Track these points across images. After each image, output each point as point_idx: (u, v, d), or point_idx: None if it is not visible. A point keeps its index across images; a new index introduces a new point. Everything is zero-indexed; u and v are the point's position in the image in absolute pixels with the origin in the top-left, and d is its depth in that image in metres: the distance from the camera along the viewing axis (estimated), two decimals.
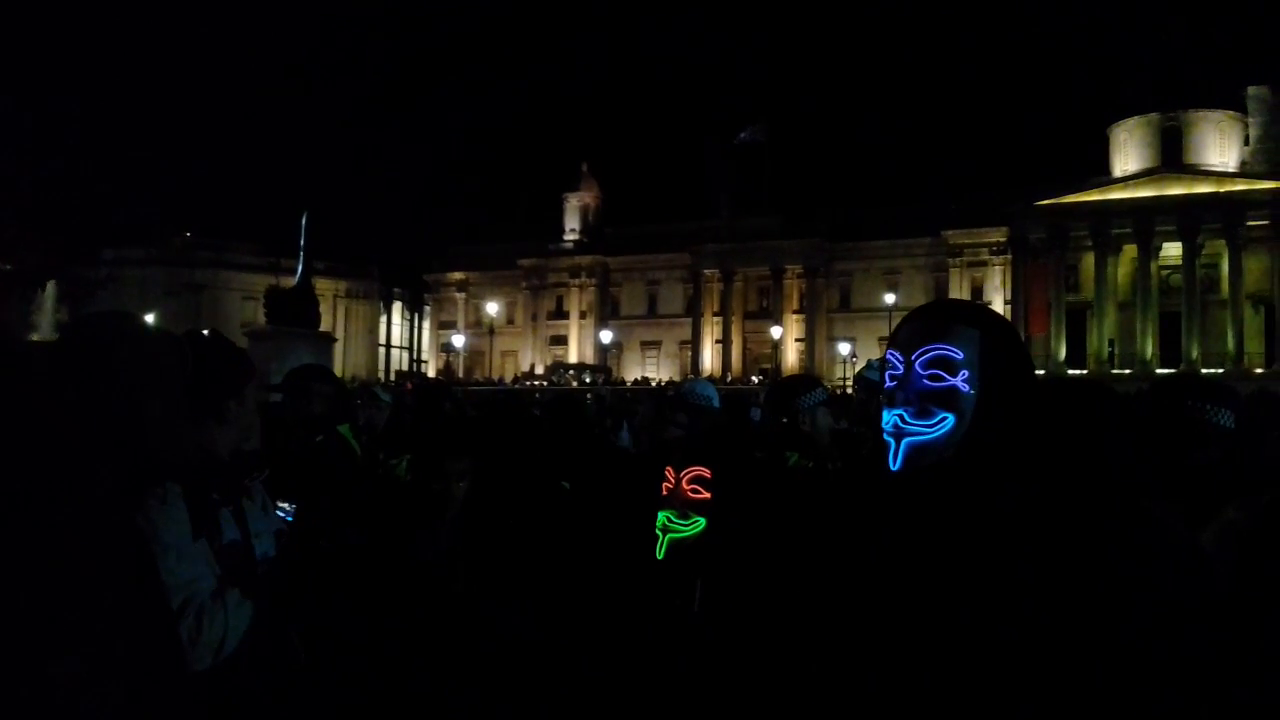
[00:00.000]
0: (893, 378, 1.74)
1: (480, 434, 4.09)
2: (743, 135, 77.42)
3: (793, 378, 4.99)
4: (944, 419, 1.66)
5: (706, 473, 4.10)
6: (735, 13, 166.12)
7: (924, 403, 1.68)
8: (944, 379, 1.68)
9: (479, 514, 3.61)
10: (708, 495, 4.06)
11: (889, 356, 1.77)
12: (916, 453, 1.67)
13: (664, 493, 4.19)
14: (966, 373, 1.67)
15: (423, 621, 3.37)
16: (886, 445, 1.71)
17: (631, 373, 77.58)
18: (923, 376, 1.69)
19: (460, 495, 3.62)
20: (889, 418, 1.71)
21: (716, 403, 5.57)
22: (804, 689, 1.74)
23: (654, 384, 61.22)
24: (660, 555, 4.10)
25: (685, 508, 4.09)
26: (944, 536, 1.60)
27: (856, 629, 1.65)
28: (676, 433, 5.27)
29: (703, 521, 4.03)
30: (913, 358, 1.71)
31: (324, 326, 39.14)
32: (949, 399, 1.67)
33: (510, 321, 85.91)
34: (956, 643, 1.53)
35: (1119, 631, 1.48)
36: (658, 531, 4.14)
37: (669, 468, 4.21)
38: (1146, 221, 62.05)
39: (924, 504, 1.66)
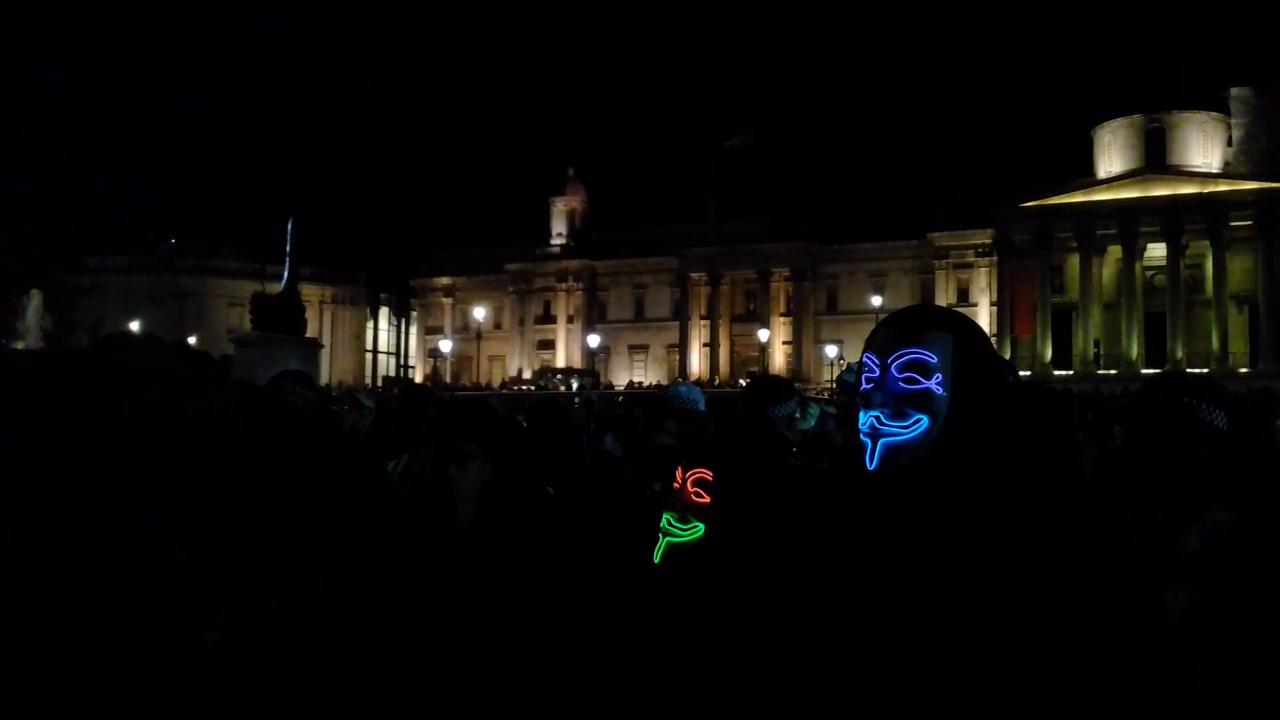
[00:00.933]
0: (869, 380, 1.79)
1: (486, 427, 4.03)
2: (731, 141, 77.55)
3: (766, 381, 4.96)
4: (918, 420, 1.72)
5: (709, 475, 4.02)
6: (722, 16, 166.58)
7: (899, 404, 1.73)
8: (918, 382, 1.73)
9: (492, 522, 3.58)
10: (708, 500, 3.98)
11: (865, 360, 1.82)
12: (892, 453, 1.72)
13: (673, 489, 4.10)
14: (940, 376, 1.73)
15: (424, 628, 3.36)
16: (863, 446, 1.75)
17: (619, 377, 77.63)
18: (898, 379, 1.74)
19: (468, 489, 3.59)
20: (866, 419, 1.76)
21: (702, 407, 5.58)
22: (786, 689, 1.75)
23: (646, 388, 61.24)
24: (657, 559, 4.03)
25: (686, 511, 4.01)
26: (917, 535, 1.65)
27: (832, 627, 1.67)
28: (667, 440, 5.26)
29: (701, 528, 3.95)
30: (888, 361, 1.76)
31: (310, 333, 39.14)
32: (923, 401, 1.72)
33: (497, 326, 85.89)
34: (927, 640, 1.56)
35: (1078, 630, 1.51)
36: (659, 533, 4.05)
37: (679, 467, 4.13)
38: (1131, 222, 62.42)
39: (899, 503, 1.70)
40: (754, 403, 4.64)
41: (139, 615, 1.09)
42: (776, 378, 5.57)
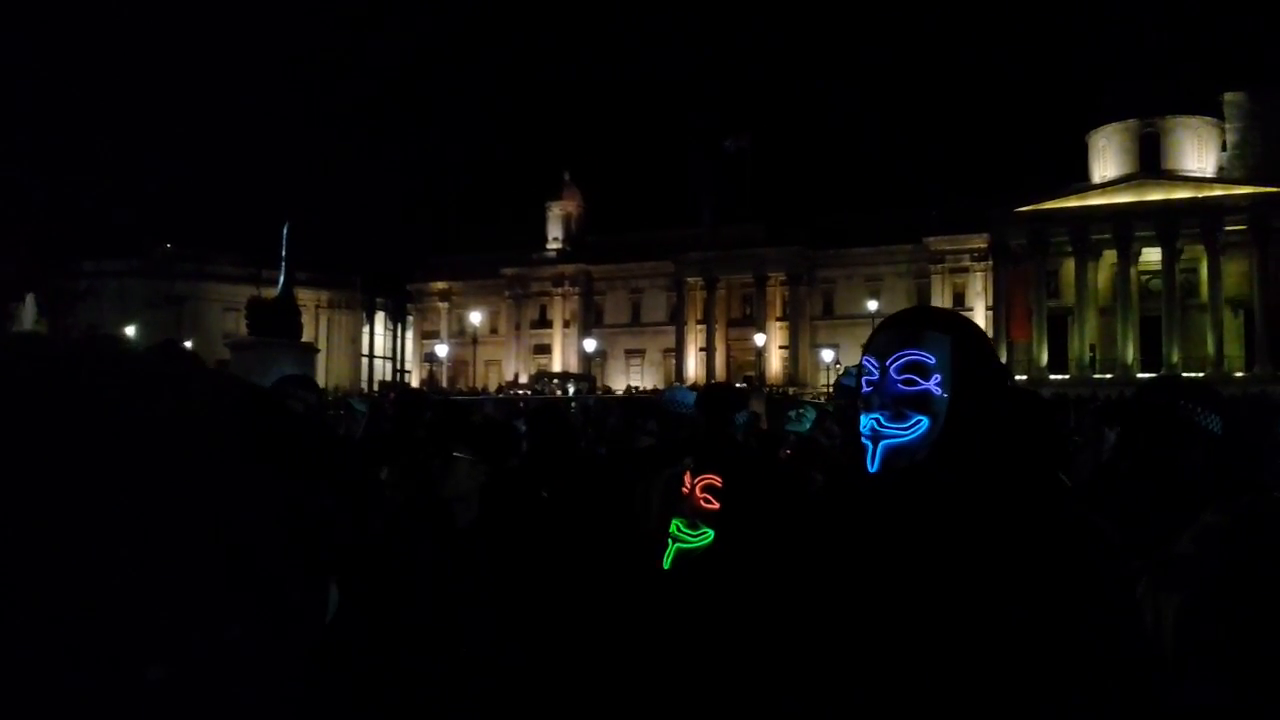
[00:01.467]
0: (868, 383, 1.79)
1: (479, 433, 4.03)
2: (727, 145, 77.61)
3: (721, 390, 4.97)
4: (919, 421, 1.72)
5: (718, 481, 3.99)
6: (717, 19, 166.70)
7: (899, 406, 1.73)
8: (917, 383, 1.73)
9: (489, 524, 3.58)
10: (718, 506, 3.95)
11: (864, 363, 1.82)
12: (893, 454, 1.72)
13: (681, 496, 4.08)
14: (939, 377, 1.73)
15: (420, 630, 3.36)
16: (864, 448, 1.76)
17: (616, 381, 77.55)
18: (897, 381, 1.74)
19: (458, 489, 3.59)
20: (866, 421, 1.76)
21: None
22: (798, 690, 1.76)
23: (642, 392, 61.14)
24: (667, 565, 3.99)
25: (695, 517, 3.97)
26: (920, 536, 1.65)
27: (842, 629, 1.68)
28: (646, 441, 5.28)
29: (711, 534, 3.92)
30: (887, 363, 1.76)
31: (306, 337, 38.91)
32: (923, 402, 1.72)
33: (494, 331, 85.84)
34: (936, 641, 1.57)
35: (1080, 632, 1.52)
36: (668, 539, 4.02)
37: (686, 473, 4.11)
38: (1126, 227, 62.53)
39: (901, 504, 1.71)
40: (714, 412, 4.65)
41: (60, 650, 0.92)
42: (729, 387, 5.59)
